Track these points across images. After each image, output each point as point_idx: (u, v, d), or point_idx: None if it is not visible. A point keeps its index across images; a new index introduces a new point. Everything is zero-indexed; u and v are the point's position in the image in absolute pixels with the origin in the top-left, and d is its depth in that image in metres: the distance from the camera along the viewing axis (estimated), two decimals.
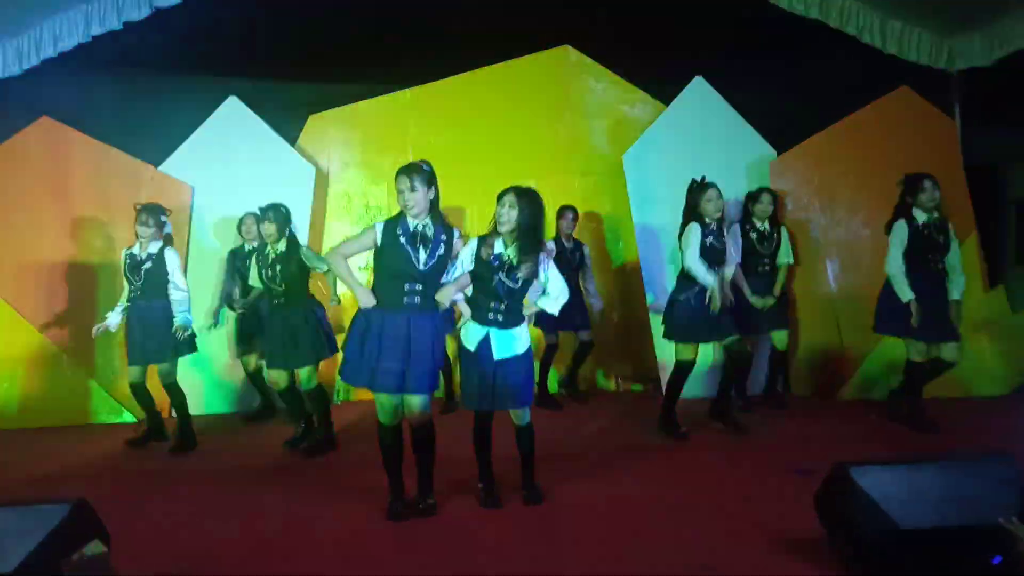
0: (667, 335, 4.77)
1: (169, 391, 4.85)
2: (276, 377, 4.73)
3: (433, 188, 3.44)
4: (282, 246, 4.68)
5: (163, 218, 4.82)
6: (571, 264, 5.59)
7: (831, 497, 2.83)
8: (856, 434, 4.72)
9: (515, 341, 3.51)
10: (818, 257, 5.96)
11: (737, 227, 5.43)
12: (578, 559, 2.95)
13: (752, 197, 5.51)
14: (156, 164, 5.97)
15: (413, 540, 3.23)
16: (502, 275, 3.44)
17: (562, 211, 5.69)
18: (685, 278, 4.67)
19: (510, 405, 3.54)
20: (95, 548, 2.58)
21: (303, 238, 6.08)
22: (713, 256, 4.62)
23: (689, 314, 4.62)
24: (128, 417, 5.69)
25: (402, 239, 3.38)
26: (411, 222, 3.42)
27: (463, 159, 6.41)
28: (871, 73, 6.22)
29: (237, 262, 5.58)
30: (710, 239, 4.60)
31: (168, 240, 4.87)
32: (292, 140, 6.30)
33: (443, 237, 3.44)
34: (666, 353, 5.95)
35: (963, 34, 6.14)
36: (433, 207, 3.45)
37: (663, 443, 4.65)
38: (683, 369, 4.71)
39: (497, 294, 3.45)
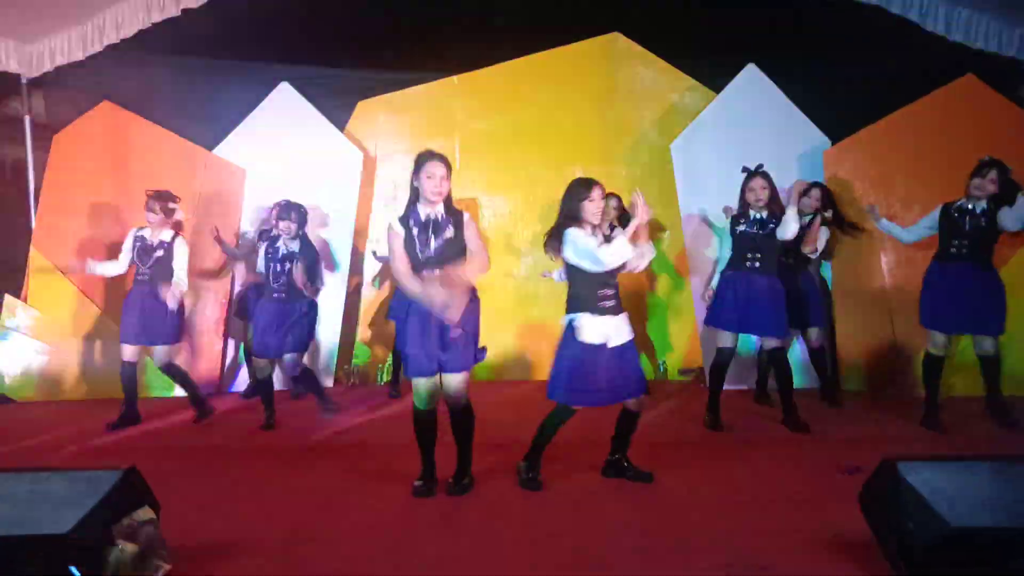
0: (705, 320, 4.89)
1: (169, 372, 4.97)
2: (262, 364, 4.90)
3: None
4: (295, 245, 4.84)
5: (171, 205, 4.91)
6: None
7: (877, 494, 2.75)
8: (908, 432, 4.57)
9: (626, 327, 3.56)
10: (872, 251, 5.78)
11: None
12: (616, 554, 2.93)
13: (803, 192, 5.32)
14: (210, 148, 6.12)
15: (450, 519, 3.26)
16: None
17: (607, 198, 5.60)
18: (727, 264, 4.77)
19: (630, 394, 3.56)
20: (144, 514, 2.68)
21: (349, 223, 6.19)
22: (744, 242, 4.62)
23: (718, 301, 4.73)
24: (180, 391, 5.86)
25: (414, 229, 3.39)
26: (423, 211, 3.41)
27: (509, 146, 6.41)
28: (934, 62, 5.98)
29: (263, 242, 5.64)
30: (742, 227, 4.64)
31: (178, 227, 4.99)
32: (341, 125, 6.38)
33: (451, 220, 3.42)
34: (710, 342, 5.89)
35: None
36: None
37: (705, 436, 4.59)
38: (719, 357, 4.72)
39: (607, 281, 3.49)
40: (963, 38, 5.92)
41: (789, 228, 4.40)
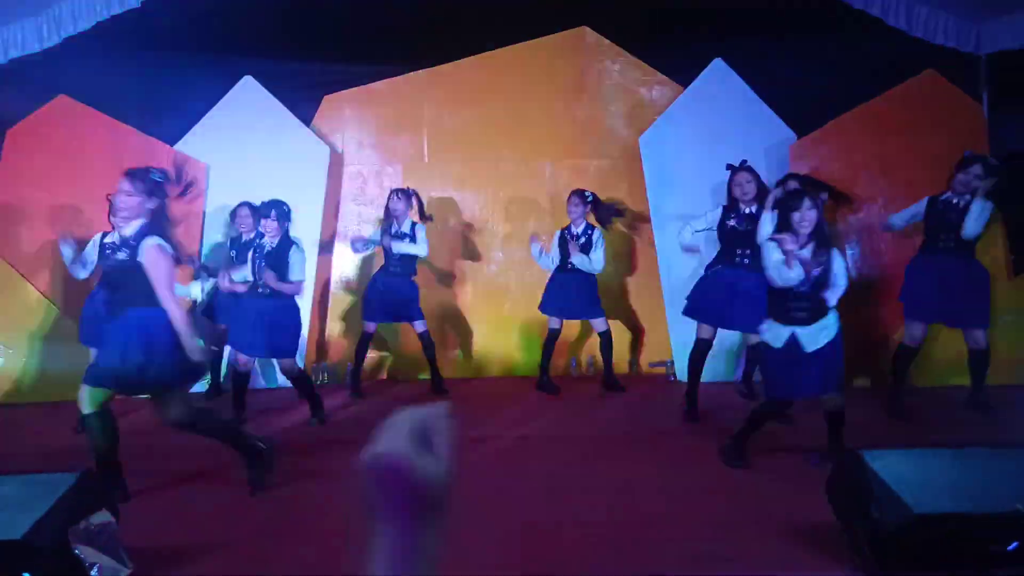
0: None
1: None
2: (243, 360, 4.86)
3: None
4: (277, 242, 4.79)
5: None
6: (578, 248, 5.45)
7: (843, 483, 2.78)
8: (877, 423, 4.63)
9: (821, 332, 3.67)
10: (837, 243, 5.84)
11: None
12: (583, 546, 2.92)
13: (779, 183, 5.34)
14: (172, 143, 5.99)
15: None
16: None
17: (571, 196, 5.54)
18: (715, 258, 4.83)
19: (819, 392, 3.72)
20: (102, 517, 2.61)
21: (317, 219, 6.11)
22: (733, 237, 4.63)
23: (699, 292, 4.80)
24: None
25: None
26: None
27: (478, 141, 6.37)
28: (896, 57, 6.07)
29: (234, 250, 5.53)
30: (732, 221, 4.70)
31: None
32: (307, 120, 6.28)
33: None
34: (681, 337, 5.92)
35: (992, 18, 5.97)
36: None
37: (676, 428, 4.61)
38: (698, 348, 4.77)
39: (799, 293, 3.63)
40: (923, 34, 6.01)
41: (763, 230, 4.45)
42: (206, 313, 5.69)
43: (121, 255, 3.47)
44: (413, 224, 5.50)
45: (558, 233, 5.55)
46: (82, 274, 4.23)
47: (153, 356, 3.30)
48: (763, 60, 6.04)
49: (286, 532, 3.09)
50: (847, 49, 6.02)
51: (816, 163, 5.91)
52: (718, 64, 6.04)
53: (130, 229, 3.49)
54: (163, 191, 3.59)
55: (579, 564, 2.75)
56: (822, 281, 3.62)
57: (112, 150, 5.82)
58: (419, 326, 5.53)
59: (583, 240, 5.47)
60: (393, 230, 5.48)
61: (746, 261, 4.64)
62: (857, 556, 2.65)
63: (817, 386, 3.67)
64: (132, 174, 3.50)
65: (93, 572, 2.47)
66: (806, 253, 3.62)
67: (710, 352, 4.88)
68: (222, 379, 5.70)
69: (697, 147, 5.88)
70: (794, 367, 3.63)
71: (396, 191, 5.55)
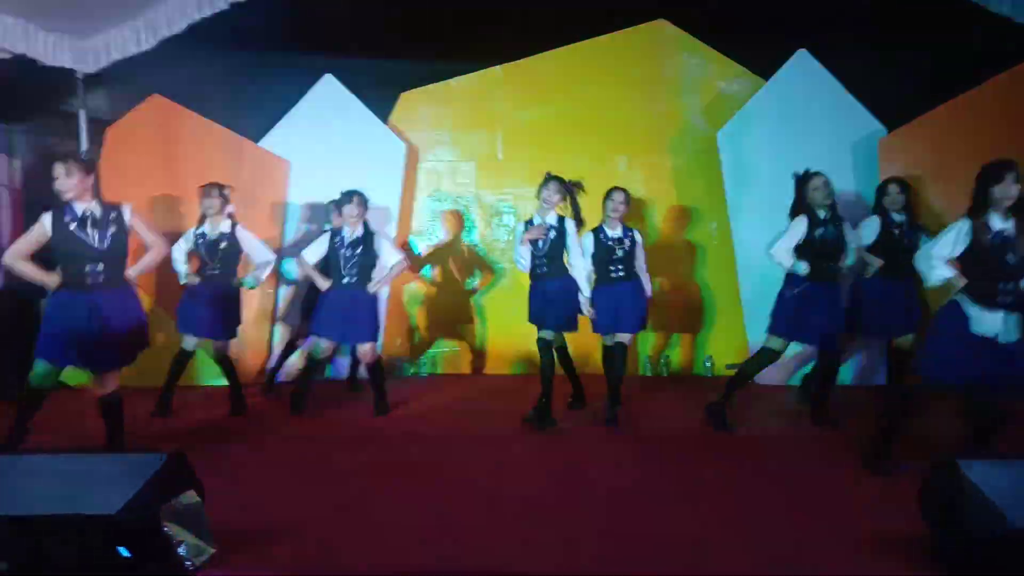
0: (769, 328, 4.54)
1: (224, 363, 5.05)
2: (325, 347, 4.91)
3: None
4: (360, 230, 4.88)
5: (226, 191, 4.99)
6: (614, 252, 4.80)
7: (936, 490, 2.63)
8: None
9: (1020, 322, 3.33)
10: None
11: (875, 219, 4.94)
12: (656, 551, 2.87)
13: (879, 190, 5.03)
14: (256, 140, 6.20)
15: (490, 508, 3.24)
16: (1009, 253, 3.31)
17: (610, 193, 4.86)
18: (793, 273, 4.46)
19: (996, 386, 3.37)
20: (190, 497, 2.71)
21: (393, 213, 6.22)
22: (824, 249, 4.40)
23: (790, 311, 4.43)
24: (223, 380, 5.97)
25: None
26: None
27: (552, 137, 6.35)
28: (998, 45, 5.71)
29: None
30: (820, 231, 4.38)
31: (233, 217, 5.03)
32: (384, 117, 6.40)
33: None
34: (758, 338, 5.75)
35: None
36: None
37: (752, 432, 4.48)
38: (766, 358, 4.50)
39: (1007, 271, 3.29)
40: None
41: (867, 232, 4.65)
42: (303, 308, 5.74)
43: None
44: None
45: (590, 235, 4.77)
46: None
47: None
48: (850, 50, 5.79)
49: (357, 520, 3.15)
50: (942, 37, 5.71)
51: (908, 158, 5.62)
52: (802, 55, 5.83)
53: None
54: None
55: (653, 566, 2.70)
56: None
57: (201, 146, 6.08)
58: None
59: (628, 243, 4.78)
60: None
61: (830, 271, 4.44)
62: (947, 567, 2.51)
63: (997, 378, 3.27)
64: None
65: (180, 550, 2.57)
66: (1009, 230, 3.30)
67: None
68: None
69: (778, 142, 5.69)
70: (973, 351, 3.28)
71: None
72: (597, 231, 4.74)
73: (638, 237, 4.83)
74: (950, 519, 2.53)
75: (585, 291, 4.65)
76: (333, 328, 4.86)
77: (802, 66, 5.84)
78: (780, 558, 2.71)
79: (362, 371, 5.34)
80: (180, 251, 4.95)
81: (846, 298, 4.81)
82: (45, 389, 3.80)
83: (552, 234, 4.57)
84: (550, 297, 4.59)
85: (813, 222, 4.40)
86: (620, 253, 4.70)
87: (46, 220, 3.65)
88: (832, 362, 4.59)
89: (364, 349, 4.96)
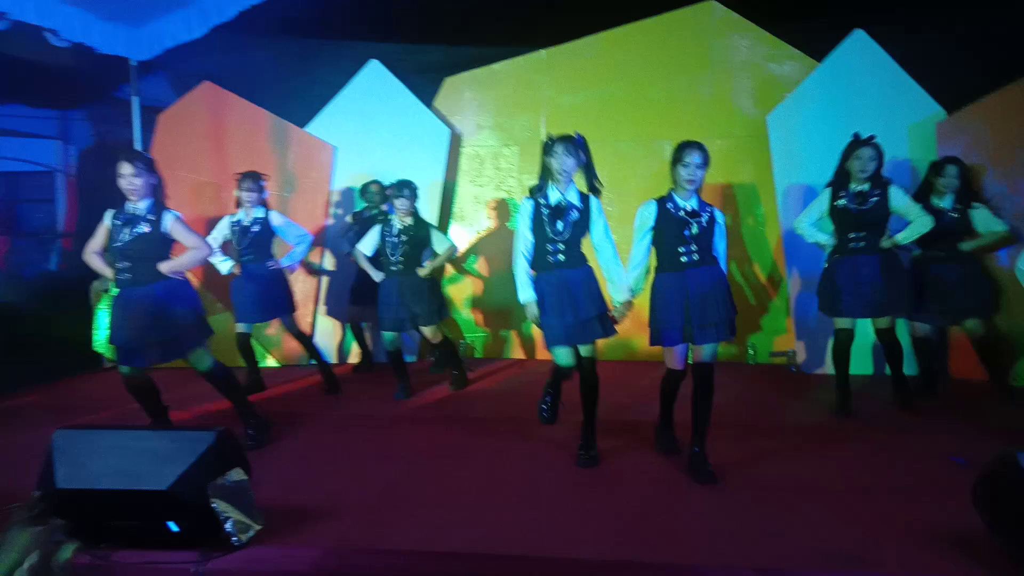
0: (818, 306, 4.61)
1: (301, 339, 5.28)
2: (392, 338, 5.06)
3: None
4: (411, 220, 4.96)
5: (263, 181, 5.09)
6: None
7: (994, 486, 2.53)
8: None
9: None
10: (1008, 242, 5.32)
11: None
12: (710, 539, 2.83)
13: (935, 168, 4.84)
14: (302, 125, 6.27)
15: (533, 491, 3.24)
16: None
17: (681, 154, 4.74)
18: (833, 249, 4.45)
19: None
20: (237, 475, 2.77)
21: (436, 199, 6.24)
22: (845, 219, 4.33)
23: (828, 285, 4.44)
24: (272, 362, 6.09)
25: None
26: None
27: (598, 121, 6.26)
28: None
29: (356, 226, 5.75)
30: (843, 201, 4.35)
31: (266, 204, 5.13)
32: (428, 102, 6.41)
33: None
34: (805, 325, 5.63)
35: None
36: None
37: (807, 423, 4.38)
38: (839, 340, 4.45)
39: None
40: None
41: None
42: (354, 300, 5.80)
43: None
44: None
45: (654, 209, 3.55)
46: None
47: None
48: (908, 30, 5.57)
49: (405, 500, 3.18)
50: (1006, 16, 5.45)
51: (968, 142, 5.39)
52: (858, 35, 5.62)
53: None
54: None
55: (705, 554, 2.66)
56: None
57: (249, 132, 6.17)
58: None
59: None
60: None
61: (861, 245, 4.32)
62: (1010, 567, 2.42)
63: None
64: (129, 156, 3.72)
65: (227, 526, 2.63)
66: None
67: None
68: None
69: (831, 125, 5.50)
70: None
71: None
72: (663, 201, 3.53)
73: (720, 216, 3.59)
74: (1009, 515, 2.44)
75: (622, 286, 3.59)
76: (390, 320, 4.98)
77: (857, 47, 5.63)
78: (837, 548, 2.65)
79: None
80: (216, 243, 5.03)
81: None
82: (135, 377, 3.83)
83: (574, 215, 3.57)
84: (576, 291, 3.53)
85: (838, 190, 4.37)
86: (695, 229, 3.45)
87: (107, 217, 3.78)
88: (886, 342, 4.45)
89: (427, 332, 5.08)
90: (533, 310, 3.56)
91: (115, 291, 3.82)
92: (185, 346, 3.82)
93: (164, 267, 3.75)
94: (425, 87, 6.43)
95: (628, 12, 6.15)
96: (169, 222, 3.74)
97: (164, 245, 3.77)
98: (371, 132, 6.20)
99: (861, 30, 5.62)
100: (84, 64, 6.13)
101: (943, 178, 4.72)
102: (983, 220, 4.72)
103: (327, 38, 6.43)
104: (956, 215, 4.70)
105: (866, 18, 5.62)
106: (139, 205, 3.72)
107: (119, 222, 3.72)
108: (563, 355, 3.61)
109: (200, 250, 3.87)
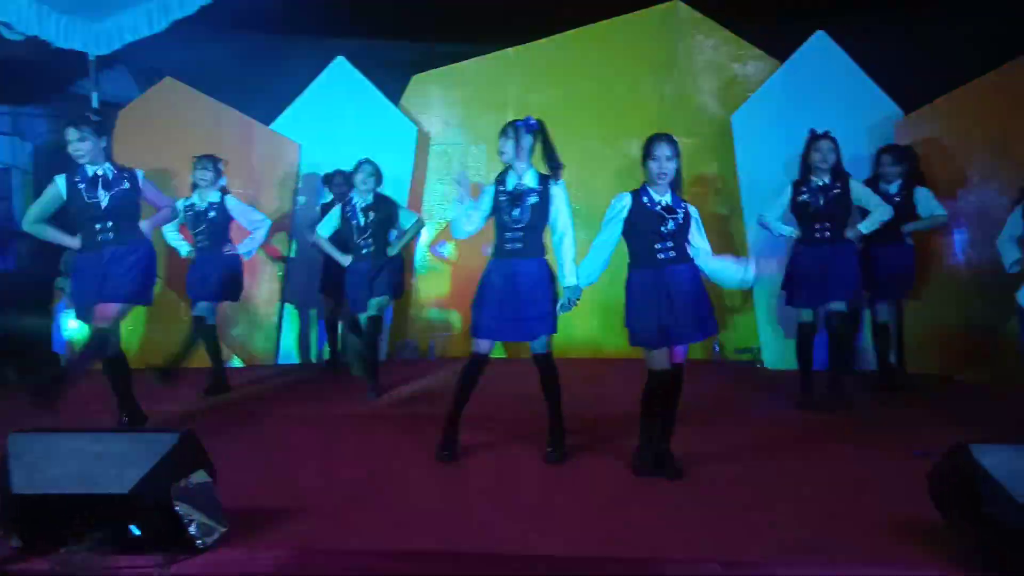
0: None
1: (208, 333, 5.00)
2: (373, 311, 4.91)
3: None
4: (370, 197, 4.86)
5: (220, 165, 5.01)
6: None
7: (948, 478, 2.60)
8: (982, 417, 4.34)
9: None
10: (945, 227, 5.48)
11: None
12: (677, 533, 2.86)
13: (875, 158, 5.10)
14: (267, 123, 6.20)
15: (501, 489, 3.24)
16: None
17: (651, 147, 4.82)
18: (797, 241, 4.64)
19: None
20: (200, 477, 2.73)
21: (403, 196, 6.21)
22: (804, 212, 4.50)
23: (791, 278, 4.62)
24: (236, 362, 6.01)
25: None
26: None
27: (563, 120, 6.22)
28: (1017, 27, 5.60)
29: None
30: (804, 196, 4.53)
31: (224, 190, 5.03)
32: (395, 100, 6.38)
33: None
34: (769, 322, 5.73)
35: None
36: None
37: (767, 417, 4.46)
38: (802, 333, 4.59)
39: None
40: None
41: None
42: (324, 290, 5.71)
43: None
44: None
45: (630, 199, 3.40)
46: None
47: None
48: (867, 32, 5.71)
49: (370, 500, 3.17)
50: (961, 18, 5.61)
51: (923, 141, 5.54)
52: (820, 37, 5.74)
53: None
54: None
55: (673, 547, 2.69)
56: None
57: (212, 129, 6.08)
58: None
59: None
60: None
61: (827, 235, 4.46)
62: (964, 556, 2.49)
63: None
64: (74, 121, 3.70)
65: (191, 528, 2.59)
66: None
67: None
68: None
69: (793, 125, 5.57)
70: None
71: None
72: (638, 194, 3.38)
73: (694, 212, 3.49)
74: (963, 506, 2.51)
75: (577, 276, 3.47)
76: (362, 302, 4.82)
77: (819, 48, 5.76)
78: (795, 538, 2.70)
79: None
80: (171, 227, 4.92)
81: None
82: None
83: (533, 199, 3.50)
84: (522, 285, 3.46)
85: (800, 185, 4.53)
86: (671, 225, 3.35)
87: (60, 182, 3.70)
88: (836, 330, 4.50)
89: (373, 304, 4.85)
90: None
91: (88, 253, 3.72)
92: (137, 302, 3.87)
93: (145, 224, 3.78)
94: (392, 85, 6.40)
95: (595, 12, 6.19)
96: (142, 180, 3.82)
97: (138, 204, 3.82)
98: (337, 130, 6.15)
99: (823, 32, 5.74)
100: (40, 58, 5.98)
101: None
102: (925, 203, 4.92)
103: (292, 34, 6.36)
104: (899, 199, 4.89)
105: (827, 19, 5.74)
106: (105, 165, 3.70)
107: (83, 184, 3.65)
108: (483, 345, 3.57)
109: (170, 209, 4.03)
